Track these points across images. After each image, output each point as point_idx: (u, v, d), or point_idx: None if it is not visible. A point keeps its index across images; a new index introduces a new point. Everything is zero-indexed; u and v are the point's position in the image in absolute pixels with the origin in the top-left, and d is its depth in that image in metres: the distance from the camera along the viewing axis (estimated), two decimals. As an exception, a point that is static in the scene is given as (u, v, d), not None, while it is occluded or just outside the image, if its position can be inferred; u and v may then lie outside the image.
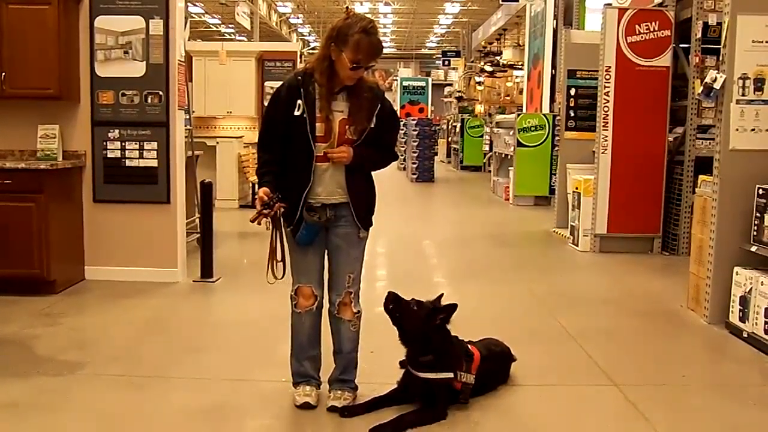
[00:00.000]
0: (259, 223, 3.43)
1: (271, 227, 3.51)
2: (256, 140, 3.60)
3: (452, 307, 3.58)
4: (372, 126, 3.46)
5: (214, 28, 33.68)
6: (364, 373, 3.77)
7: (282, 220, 3.47)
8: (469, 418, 3.54)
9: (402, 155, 17.85)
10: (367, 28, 3.31)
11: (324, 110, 3.41)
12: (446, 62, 32.62)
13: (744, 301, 4.81)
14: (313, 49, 36.37)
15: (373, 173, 3.62)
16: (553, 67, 12.86)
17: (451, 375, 3.54)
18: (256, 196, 3.40)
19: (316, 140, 3.41)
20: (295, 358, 3.69)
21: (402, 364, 3.80)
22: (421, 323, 3.53)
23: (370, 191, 3.61)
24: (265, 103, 14.05)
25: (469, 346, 3.78)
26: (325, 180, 3.46)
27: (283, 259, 3.52)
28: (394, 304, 3.57)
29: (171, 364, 4.28)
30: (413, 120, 17.93)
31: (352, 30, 3.29)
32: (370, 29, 3.32)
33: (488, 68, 25.35)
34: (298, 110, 3.39)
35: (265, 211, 3.35)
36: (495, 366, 3.89)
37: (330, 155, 3.42)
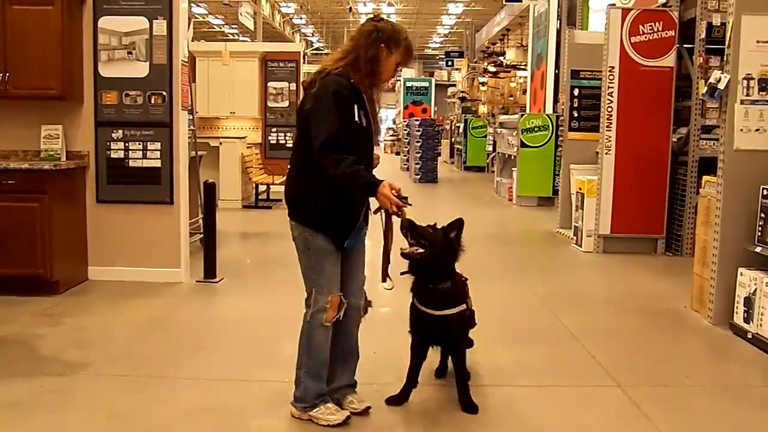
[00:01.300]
0: (398, 215, 3.26)
1: (385, 226, 3.36)
2: (323, 142, 3.20)
3: (459, 222, 3.56)
4: None
5: (218, 29, 33.70)
6: (367, 373, 3.77)
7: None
8: (472, 419, 3.53)
9: (405, 156, 17.84)
10: (407, 33, 3.47)
11: (375, 115, 3.44)
12: (449, 63, 32.58)
13: (748, 302, 4.80)
14: (316, 49, 36.43)
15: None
16: (557, 67, 12.84)
17: (464, 306, 3.61)
18: (386, 192, 3.18)
19: None
20: (316, 378, 3.48)
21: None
22: (442, 242, 3.48)
23: None
24: (269, 104, 14.22)
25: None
26: None
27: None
28: (411, 231, 3.43)
29: (174, 364, 4.28)
30: (416, 120, 17.92)
31: (402, 34, 3.41)
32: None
33: (491, 68, 25.30)
34: (358, 117, 3.33)
35: (401, 204, 3.21)
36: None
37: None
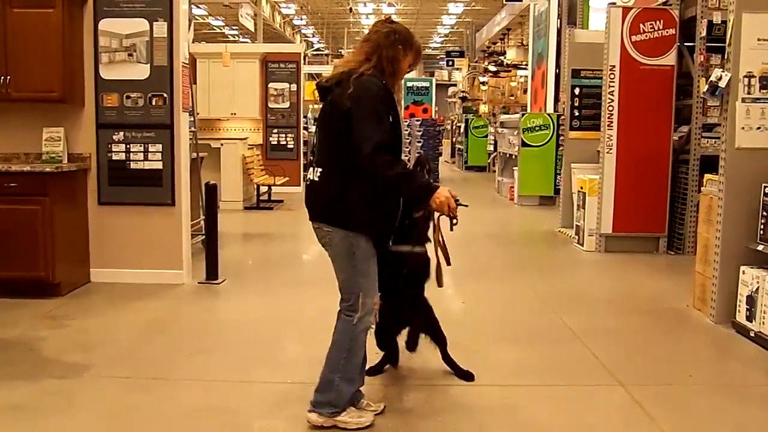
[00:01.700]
0: (452, 219, 3.31)
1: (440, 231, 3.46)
2: (376, 145, 3.13)
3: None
4: None
5: (218, 30, 33.73)
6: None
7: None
8: (474, 419, 3.53)
9: (407, 156, 17.88)
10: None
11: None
12: (450, 62, 32.60)
13: (751, 301, 4.79)
14: (317, 50, 36.41)
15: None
16: (557, 66, 12.84)
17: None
18: (447, 194, 3.22)
19: None
20: (350, 382, 3.41)
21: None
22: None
23: None
24: (270, 105, 14.22)
25: None
26: None
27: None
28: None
29: (176, 365, 4.28)
30: (417, 120, 17.91)
31: (414, 36, 3.45)
32: None
33: (492, 68, 25.34)
34: (392, 119, 3.31)
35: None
36: None
37: None
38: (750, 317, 4.80)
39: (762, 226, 4.86)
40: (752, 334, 4.74)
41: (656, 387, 4.03)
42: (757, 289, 4.73)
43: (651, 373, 4.27)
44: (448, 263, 3.48)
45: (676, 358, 4.62)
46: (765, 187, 4.84)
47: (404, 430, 3.45)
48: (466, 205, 3.32)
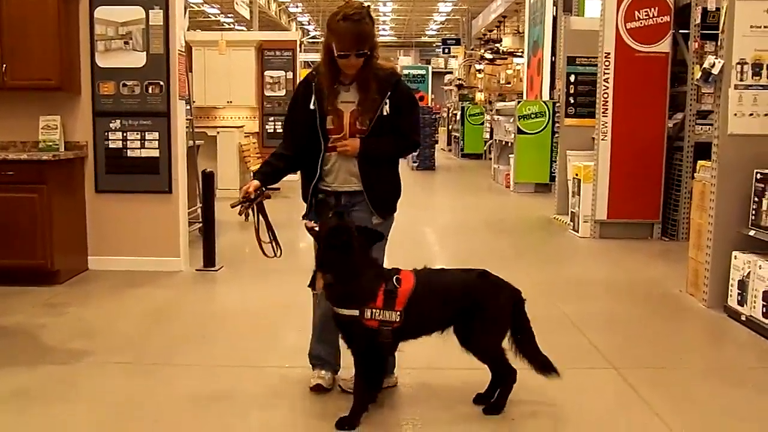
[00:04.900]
0: (240, 213, 3.55)
1: (254, 214, 3.62)
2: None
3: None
4: (386, 114, 3.44)
5: (213, 18, 33.57)
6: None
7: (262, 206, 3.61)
8: (469, 401, 3.58)
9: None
10: (348, 14, 3.25)
11: (330, 103, 3.45)
12: (446, 50, 32.48)
13: (742, 285, 4.85)
14: (313, 38, 36.30)
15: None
16: (553, 54, 12.86)
17: (355, 312, 3.18)
18: (243, 187, 3.54)
19: (328, 132, 3.48)
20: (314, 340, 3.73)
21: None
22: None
23: (386, 180, 3.64)
24: (266, 93, 14.20)
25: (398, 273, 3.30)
26: (334, 170, 3.53)
27: (273, 240, 3.71)
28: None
29: (176, 352, 4.32)
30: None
31: (336, 17, 3.28)
32: (352, 15, 3.24)
33: (488, 56, 25.26)
34: (312, 105, 3.46)
35: (245, 204, 3.50)
36: (437, 302, 3.37)
37: (336, 147, 3.49)
38: (741, 302, 4.86)
39: (754, 212, 4.91)
40: (743, 318, 4.80)
41: (649, 370, 4.09)
42: (749, 273, 4.79)
43: (644, 357, 4.33)
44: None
45: (669, 342, 4.68)
46: (757, 173, 4.89)
47: (400, 411, 3.49)
48: (258, 198, 3.55)
